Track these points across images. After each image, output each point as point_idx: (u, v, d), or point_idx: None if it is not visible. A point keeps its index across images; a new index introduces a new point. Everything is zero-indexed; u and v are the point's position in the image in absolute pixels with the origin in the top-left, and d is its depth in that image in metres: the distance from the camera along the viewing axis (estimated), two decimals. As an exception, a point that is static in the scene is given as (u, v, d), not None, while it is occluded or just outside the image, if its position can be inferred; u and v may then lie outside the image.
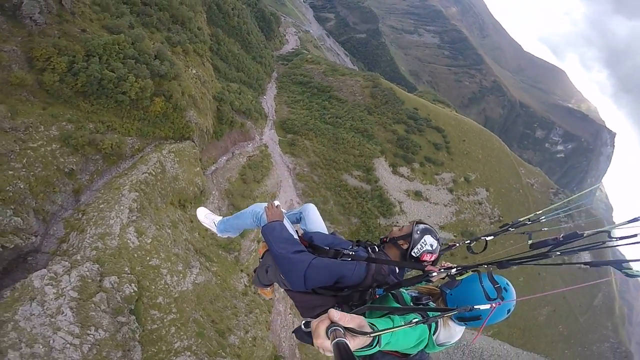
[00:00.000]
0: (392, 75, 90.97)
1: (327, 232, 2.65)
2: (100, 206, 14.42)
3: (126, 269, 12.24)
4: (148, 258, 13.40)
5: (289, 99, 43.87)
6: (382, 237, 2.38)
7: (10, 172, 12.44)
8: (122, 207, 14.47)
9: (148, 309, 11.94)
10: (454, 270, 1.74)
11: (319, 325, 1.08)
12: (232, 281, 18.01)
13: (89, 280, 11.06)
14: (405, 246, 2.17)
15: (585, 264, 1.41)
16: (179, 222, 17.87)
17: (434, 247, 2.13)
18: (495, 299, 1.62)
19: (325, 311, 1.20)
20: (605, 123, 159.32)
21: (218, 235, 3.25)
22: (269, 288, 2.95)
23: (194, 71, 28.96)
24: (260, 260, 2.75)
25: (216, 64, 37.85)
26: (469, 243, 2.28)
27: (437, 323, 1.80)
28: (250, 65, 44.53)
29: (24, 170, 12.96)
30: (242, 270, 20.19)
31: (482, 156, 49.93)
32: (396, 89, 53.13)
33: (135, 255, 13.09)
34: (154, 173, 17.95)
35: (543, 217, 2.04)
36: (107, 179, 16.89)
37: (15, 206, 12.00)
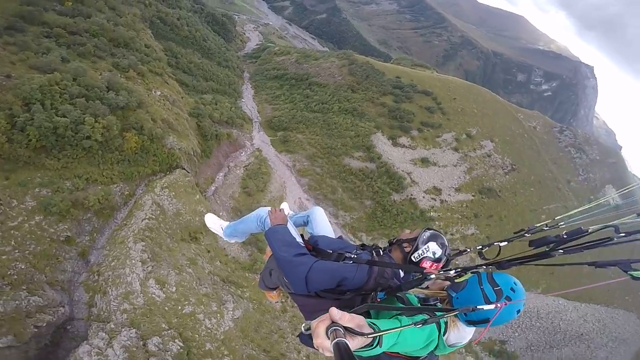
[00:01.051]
0: (363, 48, 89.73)
1: (333, 236, 2.69)
2: (112, 264, 13.97)
3: (163, 325, 11.87)
4: (180, 307, 12.99)
5: (269, 96, 42.21)
6: (390, 239, 2.41)
7: (4, 257, 12.04)
8: (133, 261, 13.97)
9: (201, 359, 11.26)
10: (452, 272, 1.72)
11: (319, 325, 1.09)
12: (267, 302, 17.26)
13: (134, 349, 10.73)
14: (408, 249, 2.20)
15: (590, 264, 1.39)
16: (197, 257, 17.08)
17: (436, 256, 2.10)
18: (494, 302, 1.59)
19: None
20: (580, 58, 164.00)
21: (225, 239, 3.36)
22: (275, 291, 3.00)
23: (159, 92, 27.16)
24: (267, 262, 2.80)
25: (180, 78, 35.90)
26: (481, 249, 2.08)
27: (446, 324, 1.80)
28: (218, 72, 42.56)
29: (17, 251, 12.49)
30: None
31: (477, 110, 49.44)
32: (373, 61, 51.93)
33: (166, 308, 12.66)
34: (153, 216, 17.09)
35: (562, 223, 1.91)
36: (108, 233, 16.09)
37: (26, 286, 11.78)
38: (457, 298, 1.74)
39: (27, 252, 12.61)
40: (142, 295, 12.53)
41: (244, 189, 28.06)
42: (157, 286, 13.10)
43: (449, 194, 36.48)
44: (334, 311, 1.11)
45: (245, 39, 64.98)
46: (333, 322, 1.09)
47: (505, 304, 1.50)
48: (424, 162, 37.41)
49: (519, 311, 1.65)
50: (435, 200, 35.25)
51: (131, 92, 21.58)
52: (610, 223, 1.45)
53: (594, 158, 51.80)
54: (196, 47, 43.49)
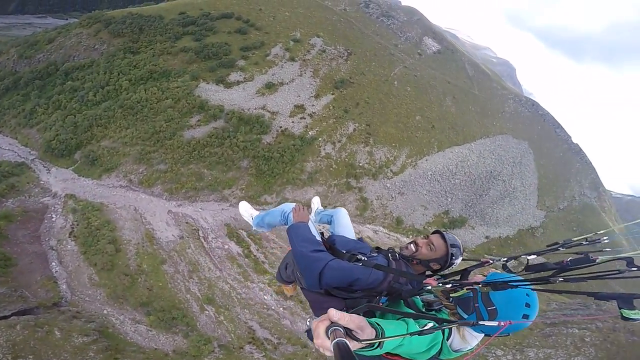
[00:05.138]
0: None
1: (353, 237, 3.03)
2: None
3: None
4: None
5: (21, 118, 29.70)
6: (403, 252, 2.49)
7: None
8: None
9: None
10: (449, 286, 1.83)
11: (319, 325, 1.17)
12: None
13: None
14: (436, 267, 2.40)
15: (590, 294, 1.46)
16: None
17: (457, 263, 2.40)
18: (486, 321, 1.70)
19: None
20: None
21: (253, 228, 3.69)
22: (290, 285, 3.44)
23: None
24: (285, 256, 3.17)
25: None
26: (506, 261, 2.05)
27: (450, 329, 1.91)
28: None
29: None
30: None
31: (288, 13, 48.97)
32: (138, 9, 42.89)
33: None
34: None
35: (606, 237, 1.92)
36: None
37: None
38: (485, 325, 1.76)
39: None
40: None
41: (96, 266, 21.17)
42: None
43: (312, 105, 36.48)
44: (333, 312, 1.17)
45: None
46: (333, 322, 1.15)
47: (510, 323, 1.56)
48: (270, 87, 35.25)
49: (526, 316, 1.74)
50: (305, 117, 34.72)
51: None
52: (624, 255, 1.47)
53: (402, 20, 60.47)
54: None
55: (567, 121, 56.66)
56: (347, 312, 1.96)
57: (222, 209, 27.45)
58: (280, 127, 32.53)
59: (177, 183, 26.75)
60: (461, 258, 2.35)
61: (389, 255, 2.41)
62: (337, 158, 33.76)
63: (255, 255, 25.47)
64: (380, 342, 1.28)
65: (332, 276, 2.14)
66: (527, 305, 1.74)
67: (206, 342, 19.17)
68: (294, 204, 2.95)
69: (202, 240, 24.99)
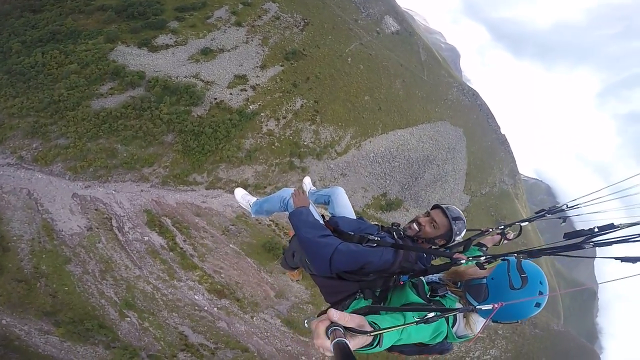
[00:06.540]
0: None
1: (354, 217, 2.84)
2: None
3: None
4: None
5: None
6: (407, 232, 2.36)
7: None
8: None
9: None
10: (482, 259, 1.81)
11: (319, 325, 1.12)
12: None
13: None
14: (441, 243, 2.28)
15: (617, 258, 1.44)
16: None
17: (462, 235, 2.29)
18: (519, 288, 1.66)
19: (348, 297, 1.37)
20: None
21: (252, 216, 3.41)
22: (296, 270, 3.12)
23: None
24: (289, 243, 2.93)
25: None
26: (503, 229, 2.30)
27: (455, 316, 1.85)
28: None
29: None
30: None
31: (238, -28, 41.27)
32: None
33: None
34: None
35: (583, 204, 2.04)
36: None
37: None
38: (482, 309, 1.76)
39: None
40: None
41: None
42: None
43: (257, 76, 31.61)
44: (333, 312, 1.13)
45: None
46: (333, 322, 1.10)
47: (502, 305, 1.54)
48: (207, 53, 29.69)
49: (538, 304, 1.69)
50: (246, 90, 29.97)
51: None
52: None
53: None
54: None
55: (498, 112, 56.69)
56: (363, 294, 2.03)
57: (142, 191, 22.99)
58: (215, 98, 27.67)
59: (84, 160, 21.67)
60: (465, 230, 2.23)
61: (394, 234, 2.31)
62: (280, 135, 29.89)
63: (181, 248, 21.44)
64: (379, 340, 1.25)
65: (342, 261, 2.02)
66: (541, 282, 1.69)
67: (132, 355, 16.18)
68: (293, 188, 2.70)
69: (117, 232, 20.54)
